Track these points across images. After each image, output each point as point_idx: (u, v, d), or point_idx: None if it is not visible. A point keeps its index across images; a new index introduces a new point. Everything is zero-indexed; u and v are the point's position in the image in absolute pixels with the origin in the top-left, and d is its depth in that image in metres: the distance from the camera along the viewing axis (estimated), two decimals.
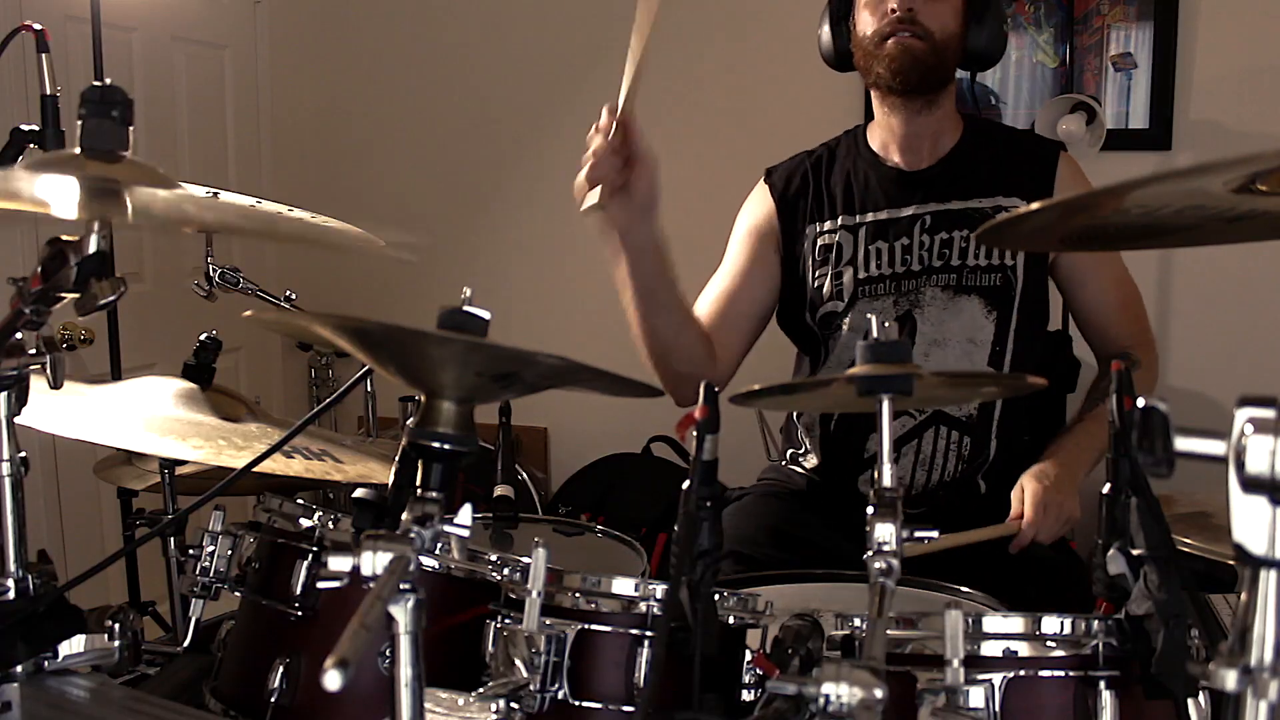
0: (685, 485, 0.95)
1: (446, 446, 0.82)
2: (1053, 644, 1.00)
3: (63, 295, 0.96)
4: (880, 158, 1.79)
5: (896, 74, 1.68)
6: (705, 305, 1.78)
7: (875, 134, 1.81)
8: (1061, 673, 1.00)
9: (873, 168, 1.78)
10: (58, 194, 0.91)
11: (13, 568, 1.06)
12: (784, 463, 1.89)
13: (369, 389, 2.91)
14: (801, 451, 1.85)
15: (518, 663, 1.02)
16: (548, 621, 1.02)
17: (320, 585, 1.04)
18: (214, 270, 2.27)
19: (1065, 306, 1.87)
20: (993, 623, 1.01)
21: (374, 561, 0.72)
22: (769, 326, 1.88)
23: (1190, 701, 0.95)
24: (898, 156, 1.77)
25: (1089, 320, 1.80)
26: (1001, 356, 1.73)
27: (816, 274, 1.76)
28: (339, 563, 0.73)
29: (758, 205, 1.84)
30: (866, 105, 2.93)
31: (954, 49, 1.71)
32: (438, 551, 1.05)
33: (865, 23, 1.72)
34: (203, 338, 1.68)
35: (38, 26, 1.60)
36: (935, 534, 0.92)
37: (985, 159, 1.76)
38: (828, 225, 1.77)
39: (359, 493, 0.84)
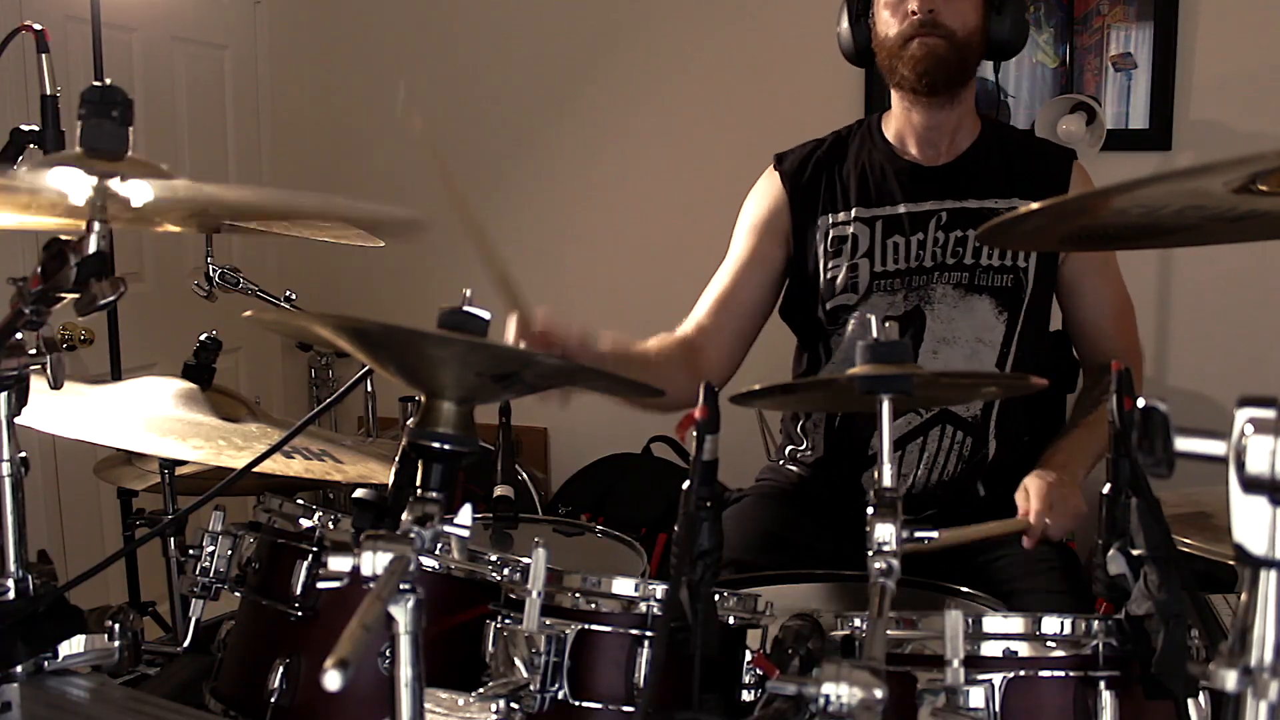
0: (685, 485, 0.95)
1: (446, 447, 0.82)
2: (1053, 644, 1.00)
3: (62, 295, 0.96)
4: (896, 150, 1.78)
5: (921, 76, 1.67)
6: (707, 302, 1.78)
7: (891, 125, 1.80)
8: (1061, 673, 1.00)
9: (889, 160, 1.77)
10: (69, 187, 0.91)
11: (13, 568, 1.06)
12: (781, 461, 1.88)
13: (369, 389, 2.91)
14: (802, 447, 1.84)
15: (518, 663, 1.02)
16: (548, 621, 1.02)
17: (320, 585, 1.04)
18: (214, 270, 2.27)
19: (1065, 311, 1.87)
20: (993, 623, 1.01)
21: (374, 561, 0.72)
22: (770, 327, 1.87)
23: (1190, 701, 0.95)
24: (915, 150, 1.76)
25: (1083, 329, 1.81)
26: (1007, 358, 1.73)
27: (829, 265, 1.75)
28: (339, 563, 0.73)
29: (766, 193, 1.82)
30: (867, 97, 2.95)
31: (976, 45, 1.71)
32: (438, 551, 1.05)
33: (886, 23, 1.70)
34: (203, 338, 1.68)
35: (38, 26, 1.60)
36: (935, 534, 0.92)
37: (1002, 160, 1.76)
38: (841, 216, 1.76)
39: (359, 493, 0.84)
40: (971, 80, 1.75)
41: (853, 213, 1.75)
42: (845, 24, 1.80)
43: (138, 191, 0.90)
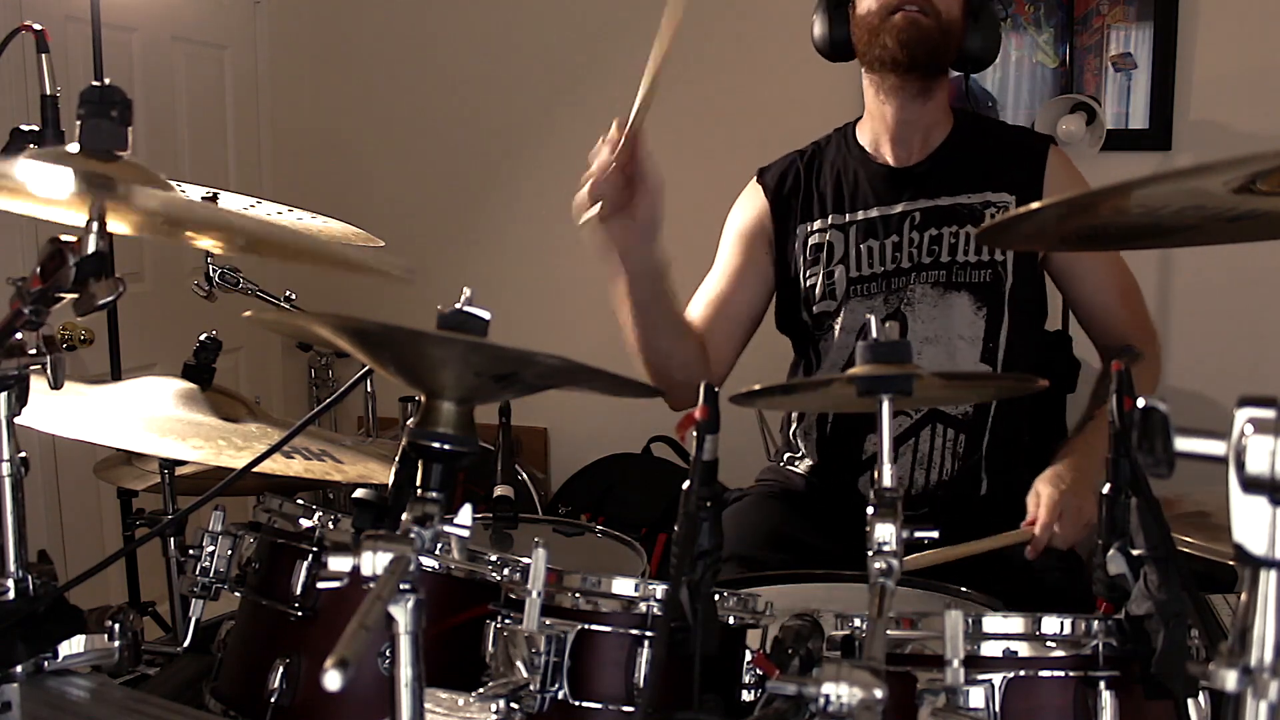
0: (685, 485, 0.95)
1: (446, 447, 0.82)
2: (1053, 644, 1.00)
3: (62, 295, 0.96)
4: (870, 155, 1.79)
5: (904, 46, 1.66)
6: (698, 308, 1.78)
7: (865, 130, 1.81)
8: (1061, 673, 1.00)
9: (862, 165, 1.78)
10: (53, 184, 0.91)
11: (13, 568, 1.06)
12: (781, 464, 1.89)
13: (369, 389, 2.91)
14: (798, 455, 1.84)
15: (518, 663, 1.02)
16: (548, 621, 1.02)
17: (320, 585, 1.04)
18: (214, 270, 2.27)
19: (1064, 303, 1.86)
20: (993, 623, 1.01)
21: (374, 562, 0.72)
22: (770, 328, 1.87)
23: (1190, 701, 0.95)
24: (887, 151, 1.77)
25: (1090, 314, 1.78)
26: (994, 353, 1.72)
27: (808, 273, 1.76)
28: (339, 563, 0.73)
29: (749, 205, 1.84)
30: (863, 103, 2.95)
31: (956, 35, 1.71)
32: (438, 551, 1.05)
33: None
34: (203, 338, 1.67)
35: (38, 26, 1.60)
36: (935, 534, 0.92)
37: (975, 154, 1.76)
38: (817, 224, 1.77)
39: (359, 493, 0.84)
40: (944, 77, 1.75)
41: (828, 220, 1.76)
42: (821, 14, 1.80)
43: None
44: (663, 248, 1.52)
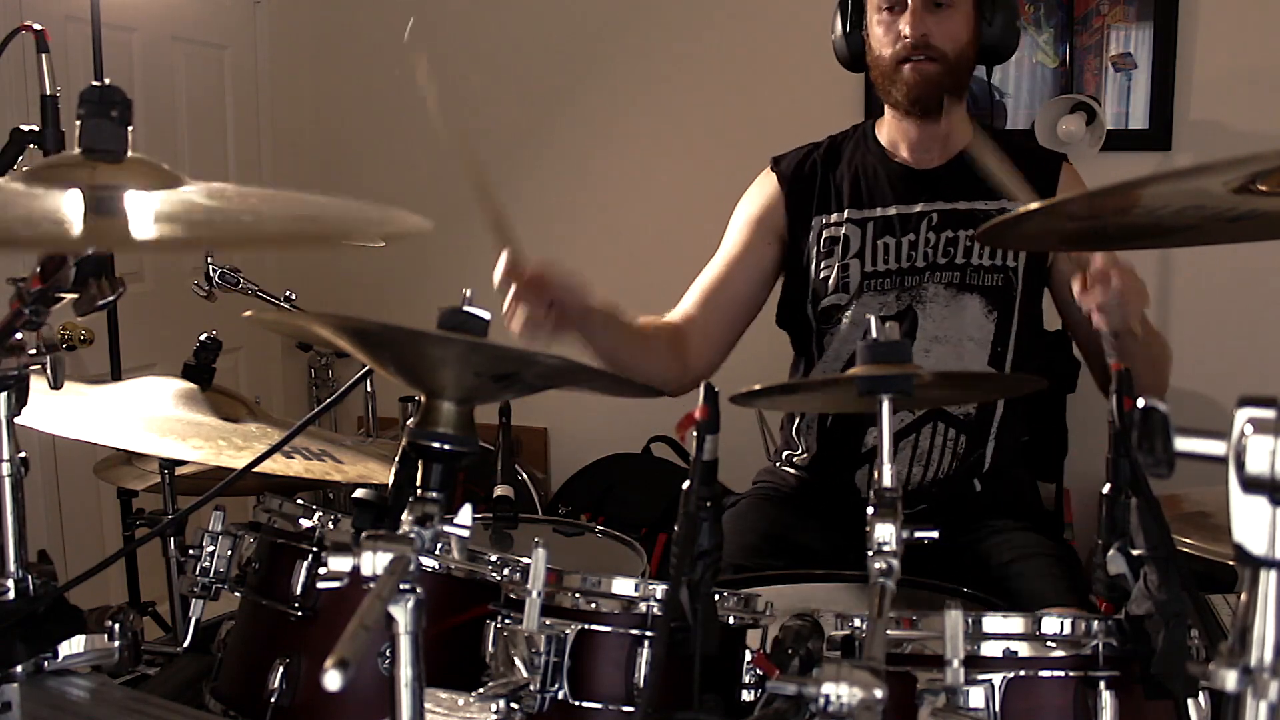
0: (685, 485, 0.95)
1: (446, 447, 0.82)
2: (1053, 644, 1.00)
3: (62, 295, 0.96)
4: (889, 153, 1.79)
5: (915, 101, 1.69)
6: (695, 293, 1.78)
7: (884, 131, 1.81)
8: (1061, 673, 1.00)
9: (881, 163, 1.79)
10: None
11: (13, 568, 1.06)
12: (778, 464, 1.89)
13: (369, 389, 2.91)
14: (798, 451, 1.84)
15: (518, 663, 1.02)
16: (548, 621, 1.02)
17: (320, 585, 1.04)
18: (214, 270, 2.27)
19: (1061, 312, 1.85)
20: (993, 623, 1.01)
21: (374, 561, 0.72)
22: (770, 328, 1.87)
23: (1190, 701, 0.95)
24: (907, 154, 1.78)
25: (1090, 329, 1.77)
26: (1003, 357, 1.73)
27: (822, 265, 1.76)
28: (339, 563, 0.73)
29: (761, 193, 1.84)
30: (867, 98, 2.95)
31: (968, 61, 1.72)
32: (438, 551, 1.06)
33: (879, 41, 1.72)
34: (203, 338, 1.68)
35: (38, 26, 1.60)
36: (935, 534, 0.92)
37: None
38: (834, 218, 1.77)
39: (359, 493, 0.84)
40: (963, 95, 1.77)
41: (845, 214, 1.77)
42: (839, 31, 1.81)
43: (141, 221, 0.90)
44: (598, 297, 1.49)
